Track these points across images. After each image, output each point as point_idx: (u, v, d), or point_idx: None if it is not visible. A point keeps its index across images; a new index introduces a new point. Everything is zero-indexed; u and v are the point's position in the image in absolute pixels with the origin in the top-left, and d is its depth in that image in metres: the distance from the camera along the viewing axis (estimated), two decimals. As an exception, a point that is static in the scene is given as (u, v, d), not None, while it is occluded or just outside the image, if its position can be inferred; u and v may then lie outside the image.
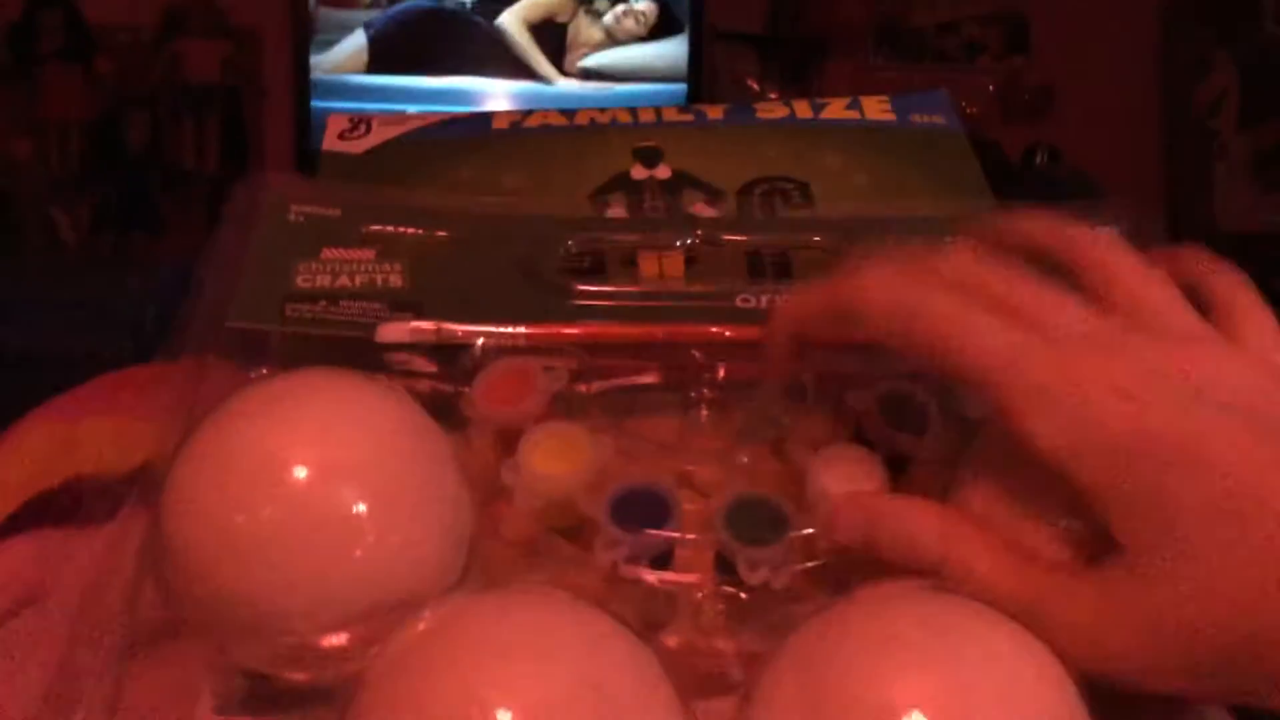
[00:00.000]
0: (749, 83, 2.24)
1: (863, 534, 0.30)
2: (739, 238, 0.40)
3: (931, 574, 0.28)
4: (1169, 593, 0.25)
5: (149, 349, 0.36)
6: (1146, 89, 2.29)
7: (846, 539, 0.30)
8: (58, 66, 2.08)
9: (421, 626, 0.25)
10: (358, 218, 0.38)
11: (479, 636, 0.25)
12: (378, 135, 0.45)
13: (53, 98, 2.08)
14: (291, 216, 0.38)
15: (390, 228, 0.38)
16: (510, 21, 2.16)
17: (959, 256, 0.30)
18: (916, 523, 0.29)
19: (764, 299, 0.36)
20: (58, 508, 0.34)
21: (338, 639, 0.27)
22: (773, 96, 2.19)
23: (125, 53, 2.14)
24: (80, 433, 0.38)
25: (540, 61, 2.17)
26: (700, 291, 0.37)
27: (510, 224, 0.39)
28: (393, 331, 0.35)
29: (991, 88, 2.27)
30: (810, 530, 0.30)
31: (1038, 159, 2.19)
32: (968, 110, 2.21)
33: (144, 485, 0.30)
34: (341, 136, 0.44)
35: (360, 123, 0.45)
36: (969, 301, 0.28)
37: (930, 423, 0.33)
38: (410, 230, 0.38)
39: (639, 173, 0.44)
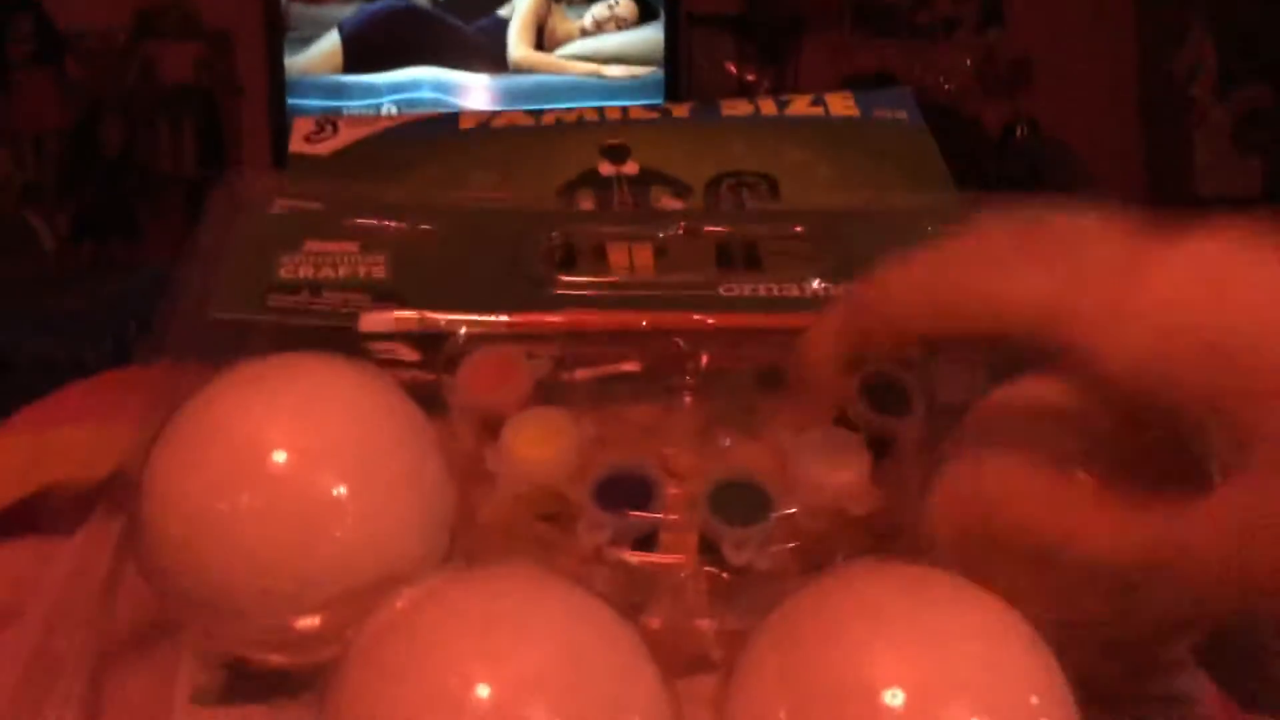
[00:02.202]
0: (727, 66, 2.24)
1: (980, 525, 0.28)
2: (719, 229, 0.40)
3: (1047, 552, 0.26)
4: None
5: (130, 354, 0.36)
6: (1123, 58, 2.29)
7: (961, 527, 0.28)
8: (29, 73, 2.07)
9: (401, 604, 0.25)
10: (340, 211, 0.39)
11: (459, 611, 0.25)
12: (345, 136, 0.45)
13: (25, 104, 2.07)
14: (274, 209, 0.38)
15: (373, 220, 0.38)
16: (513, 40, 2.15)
17: (965, 237, 0.28)
18: (1026, 504, 0.27)
19: (747, 288, 0.37)
20: (32, 518, 0.34)
21: (318, 621, 0.27)
22: (750, 79, 2.18)
23: (97, 56, 2.13)
24: (53, 441, 0.38)
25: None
26: (682, 281, 0.38)
27: (493, 216, 0.40)
28: (375, 320, 0.35)
29: (969, 62, 2.27)
30: (793, 511, 0.30)
31: (1018, 132, 2.19)
32: (945, 86, 2.21)
33: (116, 488, 0.30)
34: (308, 139, 0.45)
35: (327, 124, 0.46)
36: (995, 262, 0.27)
37: (913, 405, 0.33)
38: (393, 223, 0.38)
39: (607, 169, 0.44)
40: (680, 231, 0.39)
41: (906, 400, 0.33)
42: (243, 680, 0.29)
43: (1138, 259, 0.26)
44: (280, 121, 2.13)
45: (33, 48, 2.06)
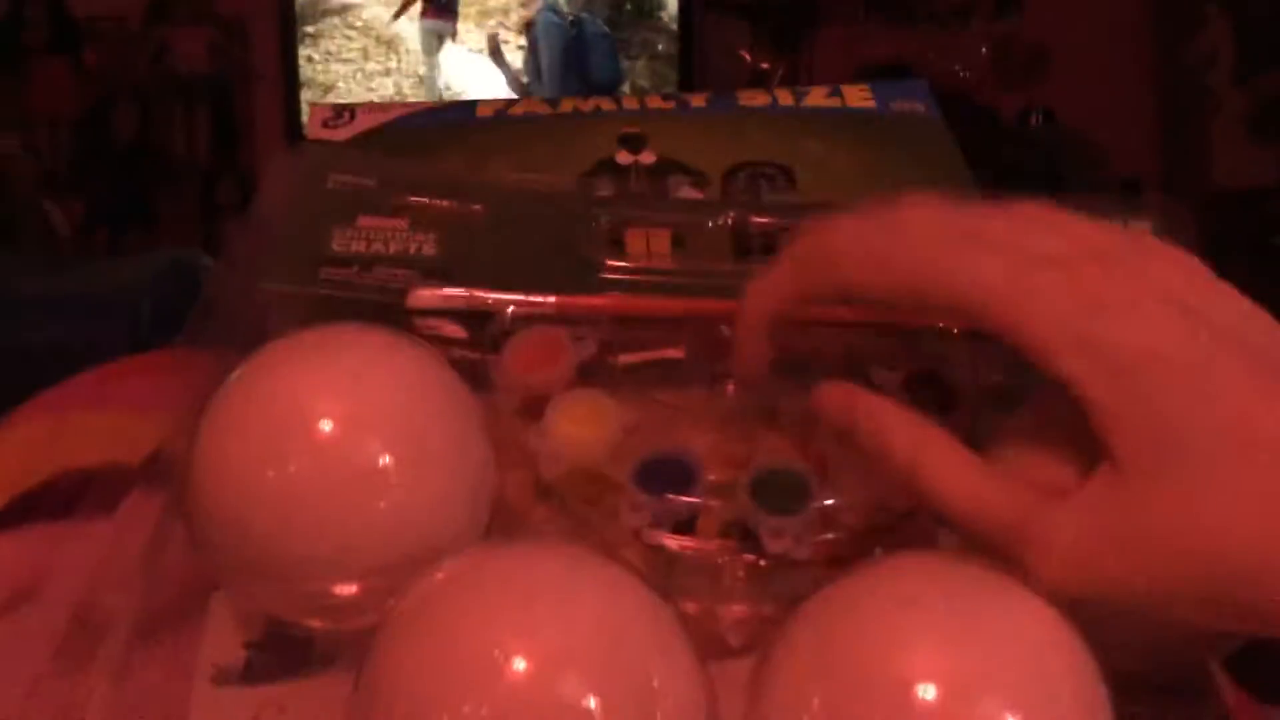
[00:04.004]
0: (741, 53, 2.23)
1: (843, 420, 0.29)
2: (766, 220, 0.40)
3: (904, 480, 0.27)
4: (1167, 514, 0.25)
5: (144, 340, 0.36)
6: (1140, 47, 2.28)
7: (828, 421, 0.29)
8: (44, 60, 2.07)
9: (440, 575, 0.26)
10: (393, 188, 0.39)
11: (499, 583, 0.25)
12: (362, 123, 0.45)
13: (40, 91, 2.07)
14: (329, 184, 0.39)
15: (426, 198, 0.38)
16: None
17: (920, 204, 0.29)
18: (891, 420, 0.28)
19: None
20: (48, 503, 0.34)
21: (359, 588, 0.28)
22: (764, 66, 2.18)
23: (111, 43, 2.13)
24: (68, 426, 0.38)
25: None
26: (732, 269, 0.38)
27: (543, 198, 0.40)
28: (424, 297, 0.35)
29: (985, 50, 2.26)
30: (832, 502, 0.31)
31: (1033, 121, 2.18)
32: (961, 74, 2.20)
33: (155, 470, 0.30)
34: (325, 125, 0.45)
35: (344, 111, 0.46)
36: (945, 236, 0.27)
37: (958, 401, 0.33)
38: (444, 202, 0.39)
39: (624, 158, 0.44)
40: (729, 222, 0.39)
41: (951, 396, 0.33)
42: (263, 660, 0.30)
43: (1084, 258, 0.27)
44: (294, 108, 2.14)
45: (47, 35, 2.06)
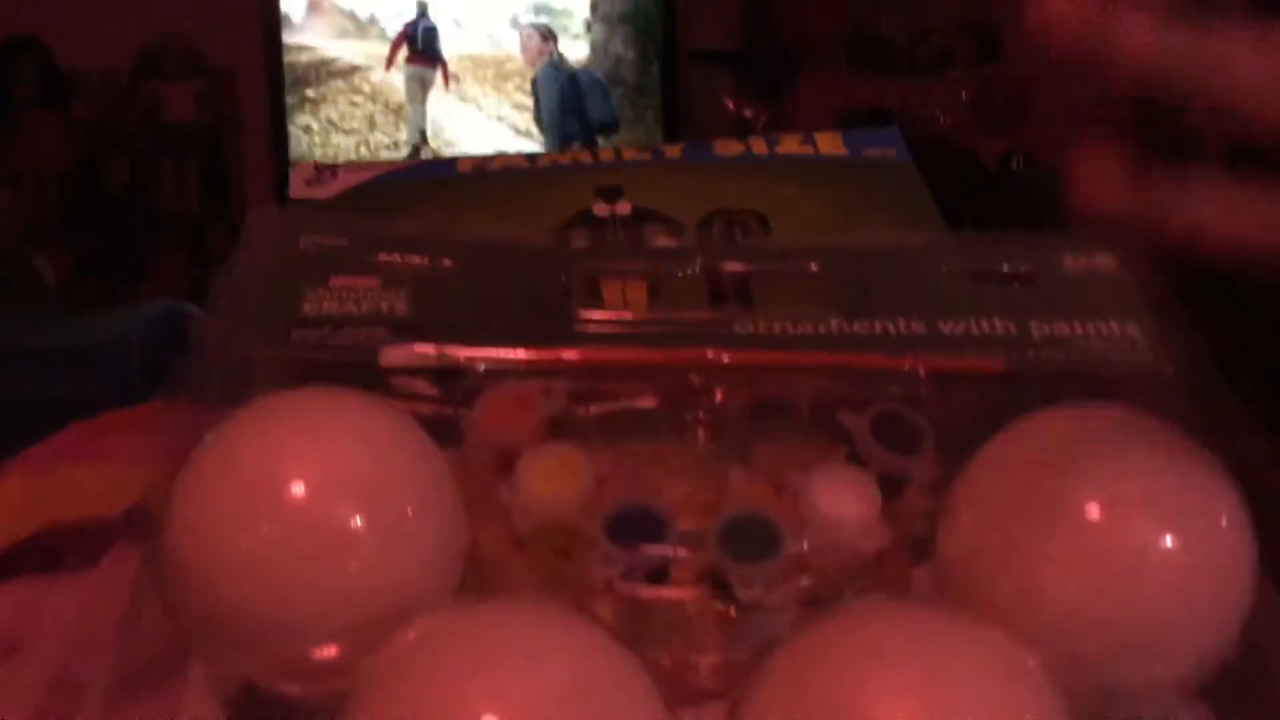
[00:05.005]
0: (725, 101, 2.25)
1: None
2: (739, 267, 0.40)
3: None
4: None
5: (134, 392, 0.36)
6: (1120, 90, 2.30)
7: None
8: (33, 114, 2.08)
9: (412, 635, 0.26)
10: (365, 247, 0.39)
11: (468, 643, 0.25)
12: (343, 181, 0.46)
13: (30, 145, 2.08)
14: (301, 245, 0.39)
15: (397, 256, 0.39)
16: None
17: None
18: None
19: (761, 325, 0.37)
20: (35, 557, 0.34)
21: (332, 651, 0.28)
22: (748, 115, 2.20)
23: (101, 96, 2.14)
24: (55, 481, 0.38)
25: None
26: (697, 318, 0.38)
27: (512, 252, 0.40)
28: (396, 355, 0.35)
29: (965, 95, 2.28)
30: (803, 548, 0.31)
31: (1014, 165, 2.20)
32: (942, 120, 2.23)
33: (135, 524, 0.30)
34: (308, 183, 0.46)
35: (325, 170, 0.46)
36: None
37: (923, 443, 0.33)
38: (416, 259, 0.39)
39: (601, 209, 0.45)
40: (698, 270, 0.40)
41: (917, 438, 0.33)
42: (245, 717, 0.29)
43: None
44: (283, 159, 2.15)
45: (36, 89, 2.08)
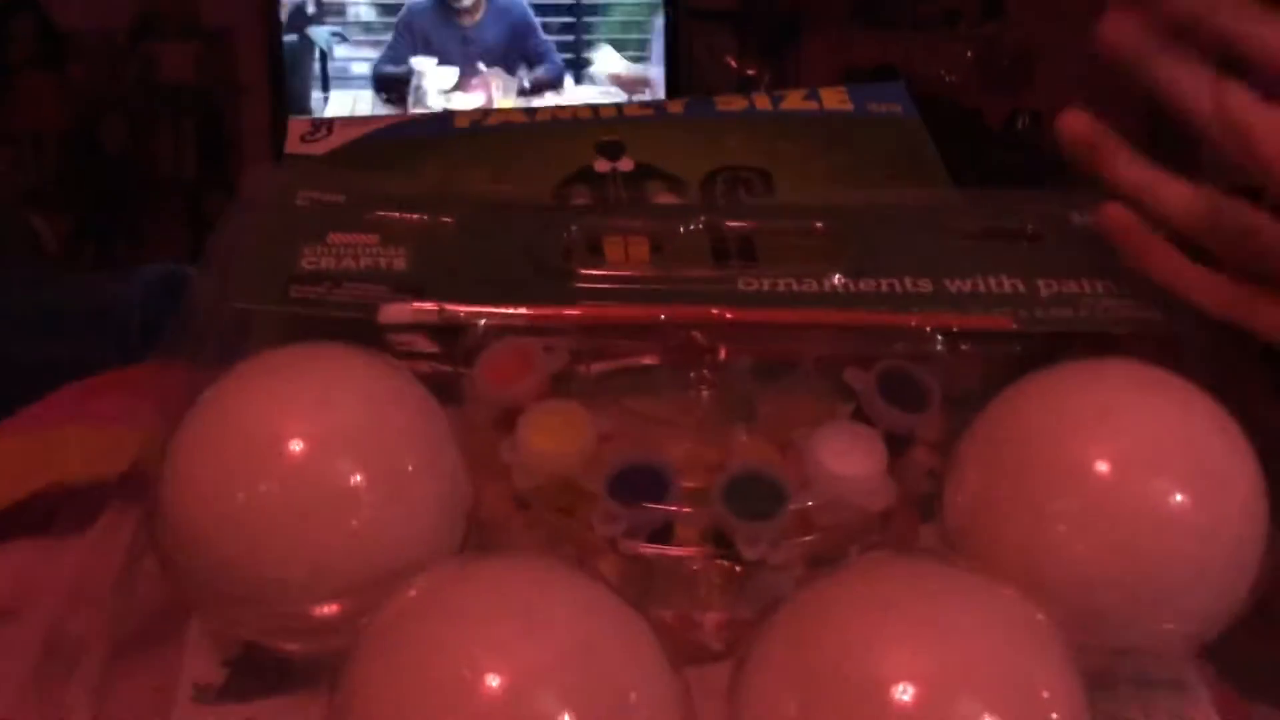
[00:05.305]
0: (728, 60, 2.23)
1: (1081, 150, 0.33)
2: (740, 223, 0.40)
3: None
4: None
5: (135, 354, 0.36)
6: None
7: (1067, 146, 0.34)
8: (30, 74, 2.07)
9: (413, 592, 0.26)
10: (362, 203, 0.39)
11: (470, 600, 0.25)
12: (339, 136, 0.45)
13: (26, 106, 2.07)
14: (299, 201, 0.38)
15: (395, 213, 0.38)
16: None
17: None
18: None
19: (765, 283, 0.37)
20: (32, 519, 0.34)
21: (333, 608, 0.28)
22: (751, 73, 2.18)
23: (98, 57, 2.13)
24: (54, 441, 0.38)
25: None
26: (701, 275, 0.38)
27: (512, 210, 0.40)
28: (395, 312, 0.35)
29: (970, 54, 2.27)
30: (808, 505, 0.30)
31: (1019, 124, 2.19)
32: (947, 79, 2.21)
33: (130, 486, 0.30)
34: (303, 139, 0.45)
35: (321, 125, 0.46)
36: None
37: (929, 401, 0.33)
38: (414, 216, 0.38)
39: (602, 166, 0.44)
40: (700, 227, 0.39)
41: (924, 396, 0.33)
42: (242, 678, 0.29)
43: None
44: (281, 119, 2.13)
45: (33, 49, 2.06)
